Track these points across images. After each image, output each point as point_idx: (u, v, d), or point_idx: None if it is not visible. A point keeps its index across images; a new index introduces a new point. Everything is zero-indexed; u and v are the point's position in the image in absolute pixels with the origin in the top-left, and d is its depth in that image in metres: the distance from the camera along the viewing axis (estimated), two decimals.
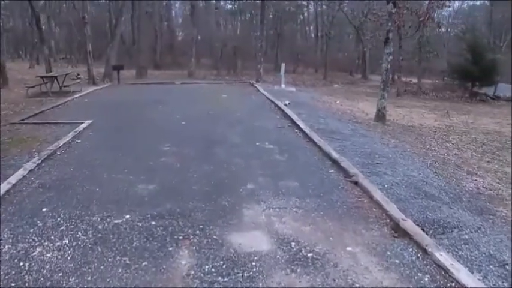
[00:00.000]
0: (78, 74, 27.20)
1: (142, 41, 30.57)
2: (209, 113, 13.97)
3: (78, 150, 9.29)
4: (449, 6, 30.01)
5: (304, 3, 49.86)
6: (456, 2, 41.82)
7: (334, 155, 8.56)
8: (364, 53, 40.58)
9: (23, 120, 12.57)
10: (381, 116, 13.50)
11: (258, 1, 46.11)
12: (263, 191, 6.79)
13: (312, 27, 56.01)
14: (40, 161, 8.22)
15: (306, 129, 10.85)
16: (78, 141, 10.07)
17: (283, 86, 23.34)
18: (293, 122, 12.14)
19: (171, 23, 48.77)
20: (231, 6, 52.40)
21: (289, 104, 15.36)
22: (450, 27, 49.50)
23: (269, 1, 28.79)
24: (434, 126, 14.02)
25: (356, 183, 7.12)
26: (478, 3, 48.28)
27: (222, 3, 47.80)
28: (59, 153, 8.96)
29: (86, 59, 24.23)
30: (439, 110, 19.01)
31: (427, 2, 27.77)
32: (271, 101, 16.49)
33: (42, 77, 19.17)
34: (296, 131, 11.26)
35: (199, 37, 40.90)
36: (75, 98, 17.81)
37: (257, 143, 9.88)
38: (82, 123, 11.90)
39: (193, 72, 31.63)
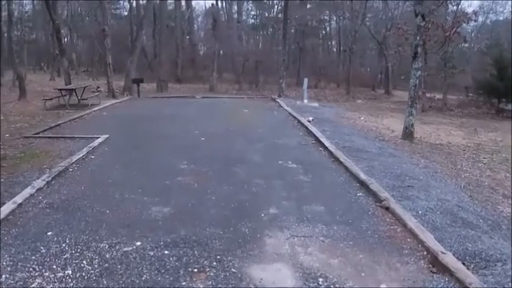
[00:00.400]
0: (99, 87, 27.04)
1: (164, 54, 30.32)
2: (229, 128, 13.49)
3: (92, 167, 8.85)
4: (476, 20, 29.22)
5: (326, 17, 49.38)
6: (480, 17, 40.99)
7: (362, 176, 7.99)
8: (387, 68, 39.86)
9: (37, 133, 12.24)
10: (408, 134, 12.88)
11: (280, 16, 46.71)
12: (287, 216, 6.24)
13: (333, 42, 55.48)
14: (50, 178, 7.80)
15: (331, 148, 10.29)
16: (93, 157, 9.66)
17: (305, 101, 22.81)
18: (317, 139, 11.59)
19: (193, 37, 48.54)
20: (253, 21, 52.27)
21: (312, 120, 14.81)
22: (473, 43, 48.60)
23: (291, 15, 28.30)
24: (463, 144, 13.39)
25: (387, 208, 6.54)
26: (501, 18, 47.18)
27: (244, 17, 47.62)
28: (71, 169, 8.54)
29: (106, 71, 23.93)
30: (466, 127, 18.29)
31: (451, 16, 27.38)
32: (294, 117, 15.96)
33: (60, 90, 18.94)
34: (320, 149, 10.71)
35: (221, 51, 40.62)
36: (93, 111, 17.48)
37: (280, 162, 9.35)
38: (98, 137, 11.52)
39: (215, 87, 31.25)
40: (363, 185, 7.65)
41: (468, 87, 35.45)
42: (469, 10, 27.24)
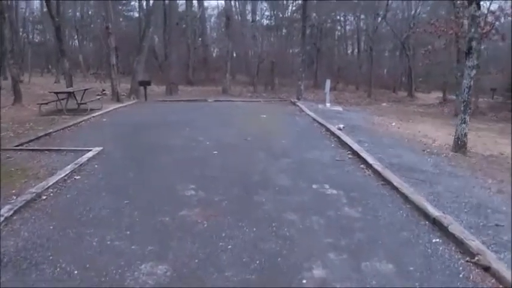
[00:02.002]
0: (104, 90, 25.16)
1: (174, 55, 28.33)
2: (247, 139, 11.42)
3: (72, 192, 6.83)
4: None
5: (341, 18, 47.32)
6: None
7: (432, 210, 5.87)
8: (409, 69, 37.65)
9: (20, 145, 10.27)
10: (461, 145, 10.77)
11: (295, 15, 44.72)
12: (340, 282, 4.14)
13: (349, 43, 53.35)
14: (12, 212, 5.81)
15: (377, 166, 8.16)
16: (77, 177, 7.66)
17: (328, 104, 20.69)
18: (355, 153, 9.48)
19: (205, 38, 46.59)
20: (267, 22, 50.33)
21: (343, 128, 12.67)
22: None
23: (309, 14, 26.14)
24: None
25: (487, 269, 4.40)
26: None
27: (257, 18, 45.57)
28: (45, 197, 6.58)
29: (110, 73, 21.96)
30: (507, 133, 16.05)
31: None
32: (320, 124, 13.86)
33: (56, 93, 16.90)
34: (362, 166, 8.58)
35: (234, 53, 38.70)
36: (93, 117, 15.52)
37: (314, 186, 7.24)
38: (90, 150, 9.59)
39: (228, 89, 29.23)
40: (437, 224, 5.52)
41: (494, 89, 33.29)
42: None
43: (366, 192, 6.93)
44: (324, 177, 7.74)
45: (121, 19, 47.59)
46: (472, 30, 10.75)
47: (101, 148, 9.80)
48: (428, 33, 23.14)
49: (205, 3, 53.05)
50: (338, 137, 11.30)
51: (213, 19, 55.11)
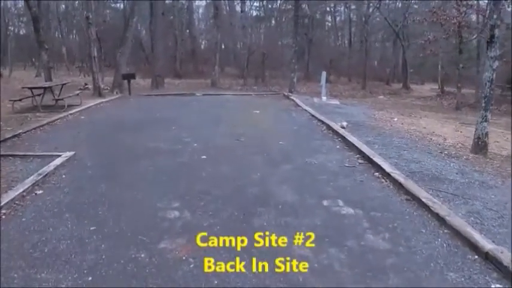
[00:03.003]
0: (86, 84, 23.78)
1: (160, 47, 26.83)
2: (239, 139, 10.11)
3: (28, 215, 5.53)
4: None
5: (332, 9, 46.00)
6: None
7: (480, 240, 4.62)
8: (404, 60, 36.44)
9: None
10: (482, 146, 9.51)
11: (284, 7, 43.28)
12: None
13: (339, 34, 52.05)
14: None
15: (397, 175, 6.87)
16: (39, 192, 6.38)
17: (324, 98, 19.40)
18: (365, 156, 8.20)
19: (193, 29, 45.02)
20: (256, 13, 48.94)
21: (347, 125, 11.40)
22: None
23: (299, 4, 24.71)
24: None
25: None
26: None
27: (247, 8, 44.01)
28: None
29: (91, 66, 20.49)
30: None
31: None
32: (320, 121, 12.59)
33: (31, 88, 15.42)
34: (376, 174, 7.30)
35: (223, 45, 37.27)
36: (70, 114, 14.18)
37: (325, 203, 5.95)
38: (59, 156, 8.26)
39: (217, 82, 27.88)
40: (491, 261, 4.26)
41: (477, 79, 32.19)
42: None
43: (390, 212, 5.64)
44: (335, 190, 6.46)
45: (108, 11, 45.90)
46: (495, 16, 9.50)
47: (73, 153, 8.53)
48: (430, 22, 21.85)
49: None
50: (342, 137, 10.02)
51: (201, 10, 53.63)
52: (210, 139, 10.10)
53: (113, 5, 48.12)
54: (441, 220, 5.22)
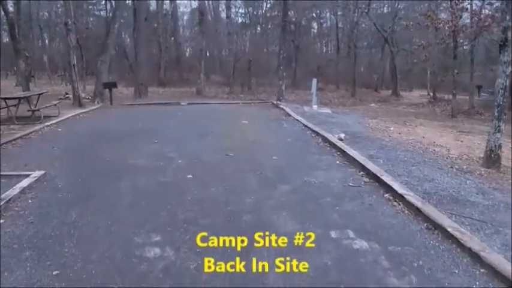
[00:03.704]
0: (67, 93, 22.69)
1: (143, 54, 25.82)
2: (229, 154, 9.19)
3: None
4: None
5: (316, 15, 45.35)
6: None
7: None
8: (394, 67, 35.82)
9: None
10: (494, 160, 8.71)
11: (269, 15, 42.44)
12: None
13: (324, 41, 51.47)
14: None
15: (412, 197, 5.98)
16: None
17: (315, 106, 18.60)
18: (370, 173, 7.32)
19: (178, 36, 44.03)
20: (242, 20, 48.17)
21: (344, 137, 10.53)
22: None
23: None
24: None
25: None
26: None
27: (232, 15, 43.18)
28: None
29: (70, 75, 19.46)
30: None
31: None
32: (315, 132, 11.74)
33: (4, 99, 14.36)
34: (387, 196, 6.41)
35: (208, 53, 36.38)
36: (47, 126, 13.18)
37: (333, 234, 5.05)
38: (27, 176, 7.26)
39: (202, 90, 26.96)
40: None
41: (479, 87, 31.75)
42: None
43: (411, 245, 4.75)
44: (342, 217, 5.56)
45: (91, 18, 44.80)
46: (507, 18, 8.70)
47: (43, 172, 7.52)
48: (418, 27, 21.16)
49: (178, 2, 50.23)
50: (342, 151, 9.13)
51: (185, 17, 52.72)
52: (196, 154, 9.17)
53: (96, 13, 47.08)
54: (475, 256, 4.35)
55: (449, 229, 4.90)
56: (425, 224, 5.28)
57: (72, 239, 4.93)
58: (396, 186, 6.41)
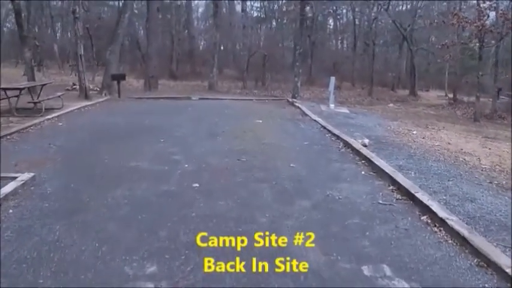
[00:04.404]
0: (74, 84, 21.89)
1: (156, 47, 24.98)
2: (241, 159, 8.30)
3: None
4: None
5: (333, 11, 44.31)
6: None
7: None
8: (412, 65, 34.73)
9: None
10: None
11: (284, 9, 41.36)
12: None
13: (339, 38, 50.43)
14: None
15: (454, 223, 5.06)
16: None
17: (332, 106, 17.63)
18: (402, 190, 6.40)
19: (191, 28, 43.14)
20: (257, 14, 47.19)
21: (369, 143, 9.60)
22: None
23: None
24: None
25: None
26: None
27: (247, 8, 42.15)
28: None
29: (77, 65, 18.67)
30: None
31: None
32: (335, 135, 10.82)
33: (4, 89, 13.55)
34: (424, 218, 5.48)
35: (221, 47, 35.49)
36: (47, 119, 12.43)
37: (365, 271, 4.15)
38: (14, 179, 6.47)
39: (215, 85, 26.06)
40: None
41: (499, 89, 30.63)
42: None
43: None
44: (375, 246, 4.66)
45: (105, 8, 44.04)
46: None
47: (32, 175, 6.69)
48: (450, 24, 20.11)
49: None
50: (367, 159, 8.20)
51: (200, 9, 51.75)
52: (204, 157, 8.30)
53: (110, 3, 46.24)
54: None
55: (507, 270, 3.98)
56: (475, 260, 4.36)
57: (51, 265, 4.09)
58: (435, 207, 5.48)
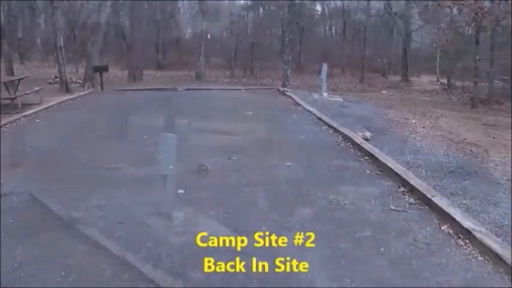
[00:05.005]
0: (56, 77, 20.94)
1: (141, 36, 24.05)
2: (231, 157, 7.52)
3: None
4: None
5: None
6: None
7: None
8: (405, 50, 33.97)
9: None
10: None
11: None
12: None
13: (329, 23, 49.61)
14: None
15: (483, 235, 4.34)
16: None
17: (325, 94, 16.88)
18: (416, 192, 5.64)
19: (178, 16, 42.12)
20: (243, 1, 46.32)
21: (370, 136, 8.86)
22: None
23: None
24: None
25: None
26: None
27: None
28: None
29: (57, 58, 17.81)
30: None
31: None
32: (332, 127, 10.08)
33: None
34: (445, 228, 4.74)
35: (208, 35, 34.64)
36: (24, 116, 11.60)
37: None
38: None
39: (202, 74, 25.32)
40: None
41: (491, 73, 29.99)
42: None
43: None
44: (394, 267, 3.92)
45: None
46: None
47: None
48: (447, 6, 19.40)
49: None
50: (370, 155, 7.46)
51: None
52: (191, 157, 7.48)
53: None
54: None
55: None
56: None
57: None
58: (458, 215, 4.74)
